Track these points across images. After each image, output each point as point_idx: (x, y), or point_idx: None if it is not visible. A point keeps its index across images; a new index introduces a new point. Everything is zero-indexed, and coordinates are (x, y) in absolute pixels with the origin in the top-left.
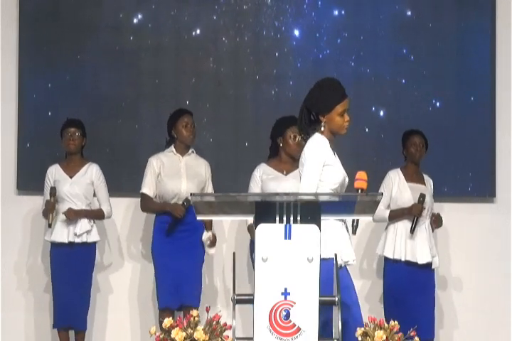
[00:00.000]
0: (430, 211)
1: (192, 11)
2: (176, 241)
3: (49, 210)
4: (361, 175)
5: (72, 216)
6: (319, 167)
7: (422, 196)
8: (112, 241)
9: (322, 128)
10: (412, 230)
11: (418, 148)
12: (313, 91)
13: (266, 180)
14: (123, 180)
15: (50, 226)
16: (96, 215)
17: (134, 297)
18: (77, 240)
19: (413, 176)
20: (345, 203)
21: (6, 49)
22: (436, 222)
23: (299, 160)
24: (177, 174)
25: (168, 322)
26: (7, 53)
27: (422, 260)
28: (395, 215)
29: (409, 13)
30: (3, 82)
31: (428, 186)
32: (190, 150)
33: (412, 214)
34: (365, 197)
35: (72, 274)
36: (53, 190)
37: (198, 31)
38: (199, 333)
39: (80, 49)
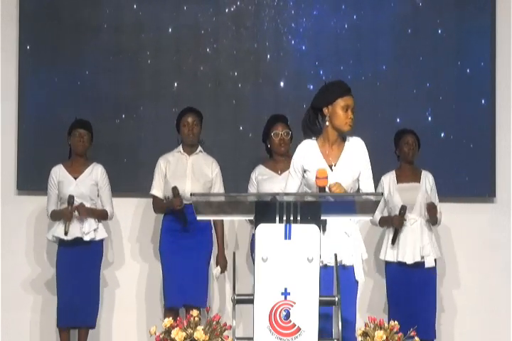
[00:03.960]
0: (424, 208)
1: (192, 11)
2: (183, 241)
3: (68, 219)
4: (321, 173)
5: (84, 212)
6: (296, 173)
7: (403, 208)
8: (119, 240)
9: (327, 123)
10: (393, 241)
11: (411, 147)
12: (319, 90)
13: (261, 180)
14: (122, 179)
15: (66, 234)
16: (102, 215)
17: (142, 295)
18: (86, 238)
19: (407, 176)
20: (345, 203)
21: (6, 49)
22: (430, 211)
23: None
24: (182, 174)
25: (168, 322)
26: (7, 53)
27: (409, 260)
28: (384, 222)
29: (409, 13)
30: (3, 82)
31: (424, 182)
32: (197, 150)
33: (392, 225)
34: (365, 197)
35: (80, 272)
36: (71, 199)
37: (198, 31)
38: (199, 333)
39: (80, 49)
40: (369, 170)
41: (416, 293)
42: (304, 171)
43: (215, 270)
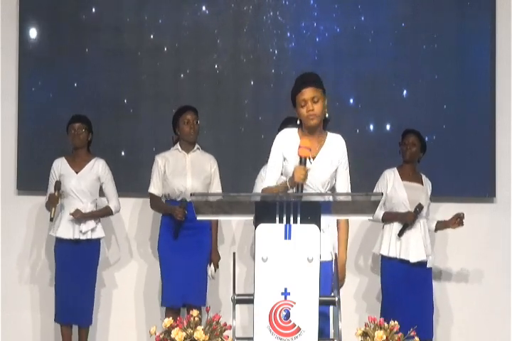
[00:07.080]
0: (427, 209)
1: (192, 11)
2: (182, 240)
3: (52, 203)
4: (304, 142)
5: (79, 216)
6: (275, 163)
7: (419, 207)
8: (118, 239)
9: (298, 122)
10: (401, 234)
11: (408, 147)
12: None
13: None
14: (122, 179)
15: (51, 220)
16: (103, 214)
17: (140, 294)
18: (82, 237)
19: (409, 175)
20: (345, 203)
21: (6, 49)
22: (458, 223)
23: None
24: (182, 172)
25: (168, 322)
26: (7, 53)
27: (414, 258)
28: (389, 218)
29: (409, 13)
30: (3, 82)
31: (426, 186)
32: (195, 147)
33: (405, 220)
34: (365, 197)
35: (76, 270)
36: (58, 184)
37: (198, 31)
38: (199, 333)
39: (80, 49)
40: (346, 170)
41: (414, 292)
42: (284, 159)
43: (209, 270)
